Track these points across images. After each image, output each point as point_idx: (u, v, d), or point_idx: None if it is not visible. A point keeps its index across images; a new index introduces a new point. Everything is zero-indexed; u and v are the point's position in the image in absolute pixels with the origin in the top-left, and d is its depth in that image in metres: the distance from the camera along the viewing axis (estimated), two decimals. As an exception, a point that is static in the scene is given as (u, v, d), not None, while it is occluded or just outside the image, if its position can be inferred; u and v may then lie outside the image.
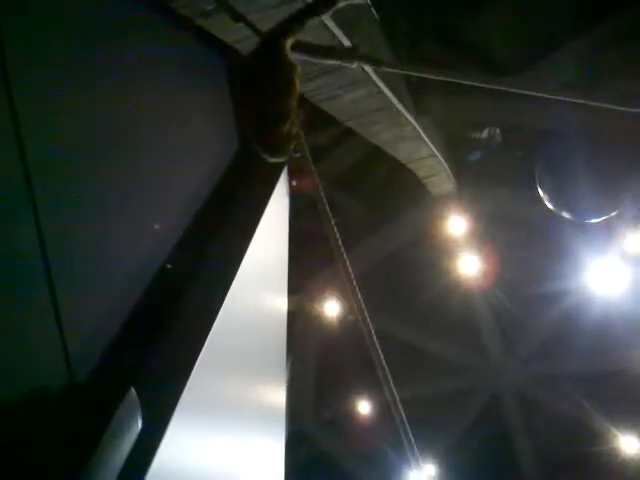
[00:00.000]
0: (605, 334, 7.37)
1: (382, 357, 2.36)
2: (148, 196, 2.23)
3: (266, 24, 2.04)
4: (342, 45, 2.44)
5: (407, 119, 4.11)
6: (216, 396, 2.29)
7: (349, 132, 4.84)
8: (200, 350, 1.99)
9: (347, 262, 2.42)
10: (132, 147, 2.12)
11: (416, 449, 2.51)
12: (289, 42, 1.91)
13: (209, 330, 2.10)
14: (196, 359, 1.95)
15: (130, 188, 2.08)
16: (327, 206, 2.42)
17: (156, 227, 2.31)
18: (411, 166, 5.61)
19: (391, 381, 2.56)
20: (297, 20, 1.97)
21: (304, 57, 2.05)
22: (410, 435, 2.72)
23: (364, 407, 8.03)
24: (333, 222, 2.39)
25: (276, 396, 3.63)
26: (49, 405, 1.51)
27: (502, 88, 2.48)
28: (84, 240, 1.78)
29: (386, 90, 3.30)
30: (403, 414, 2.68)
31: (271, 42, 1.92)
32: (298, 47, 1.98)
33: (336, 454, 8.38)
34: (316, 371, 8.24)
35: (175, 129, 2.48)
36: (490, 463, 8.40)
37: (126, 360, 1.84)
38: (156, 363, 1.86)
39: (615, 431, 7.58)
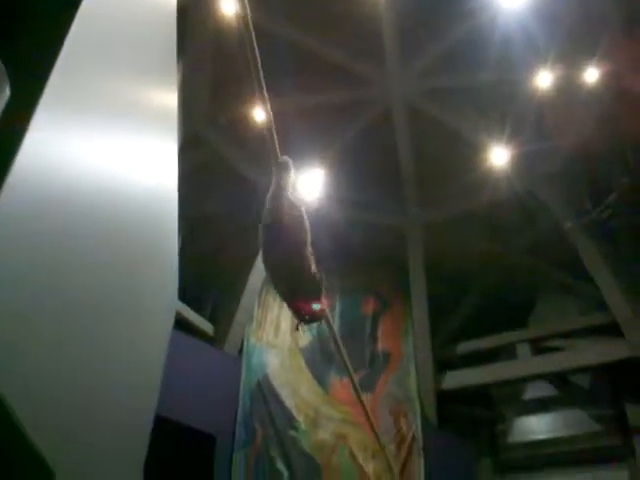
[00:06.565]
0: (505, 52, 7.48)
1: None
2: None
3: None
4: None
5: None
6: (95, 88, 2.03)
7: None
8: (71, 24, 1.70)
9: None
10: None
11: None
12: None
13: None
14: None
15: None
16: None
17: None
18: None
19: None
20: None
21: None
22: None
23: (260, 114, 7.95)
24: None
25: (166, 98, 3.43)
26: None
27: None
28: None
29: None
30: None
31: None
32: None
33: (230, 158, 8.54)
34: (211, 74, 7.89)
35: None
36: (375, 167, 9.00)
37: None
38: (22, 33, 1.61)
39: (490, 142, 8.18)
